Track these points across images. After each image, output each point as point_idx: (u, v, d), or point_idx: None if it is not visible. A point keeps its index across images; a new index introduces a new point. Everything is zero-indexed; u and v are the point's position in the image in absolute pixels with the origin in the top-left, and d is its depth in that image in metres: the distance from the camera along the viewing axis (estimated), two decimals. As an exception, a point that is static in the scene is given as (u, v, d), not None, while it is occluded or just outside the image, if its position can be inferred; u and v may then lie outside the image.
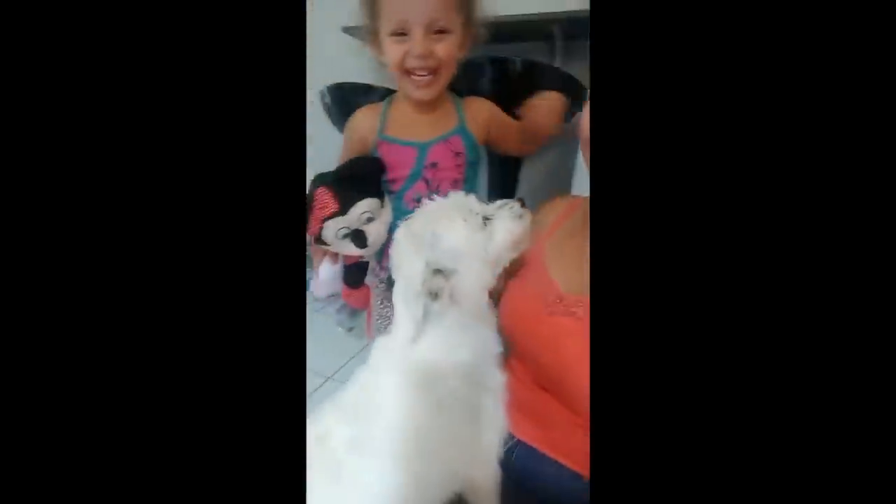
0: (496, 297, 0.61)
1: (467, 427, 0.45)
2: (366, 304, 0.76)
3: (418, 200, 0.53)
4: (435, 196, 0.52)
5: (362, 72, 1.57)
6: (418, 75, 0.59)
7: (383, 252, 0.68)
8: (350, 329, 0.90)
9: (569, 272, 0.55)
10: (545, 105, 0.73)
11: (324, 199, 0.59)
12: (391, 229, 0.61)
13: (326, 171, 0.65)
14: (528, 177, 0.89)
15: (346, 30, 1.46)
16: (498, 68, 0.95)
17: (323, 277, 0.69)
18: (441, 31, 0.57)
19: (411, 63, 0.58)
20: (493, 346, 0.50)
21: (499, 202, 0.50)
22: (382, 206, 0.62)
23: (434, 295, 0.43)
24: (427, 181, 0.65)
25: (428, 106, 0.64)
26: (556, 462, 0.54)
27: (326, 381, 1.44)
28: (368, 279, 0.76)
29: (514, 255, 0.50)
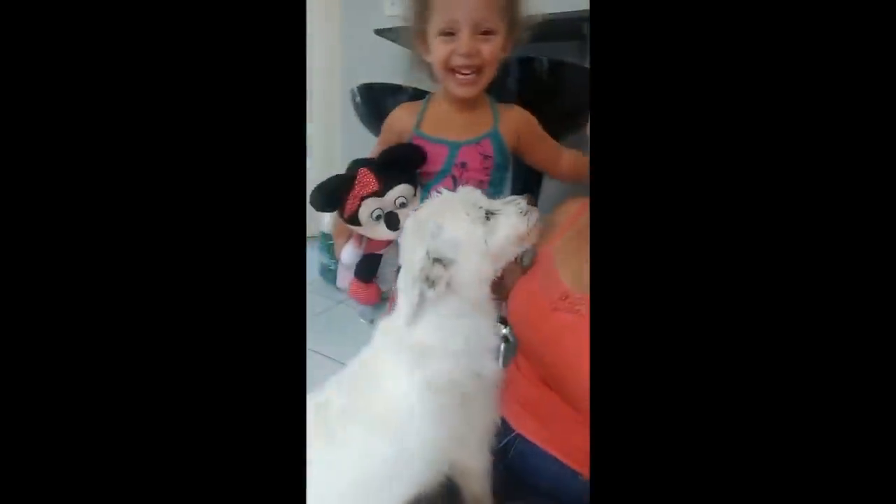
0: (502, 292, 0.63)
1: (456, 409, 0.47)
2: (372, 300, 0.78)
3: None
4: (443, 190, 0.54)
5: (393, 72, 1.61)
6: (462, 73, 0.61)
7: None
8: (371, 321, 0.92)
9: (576, 271, 0.55)
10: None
11: (366, 179, 0.61)
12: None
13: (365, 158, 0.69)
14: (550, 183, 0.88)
15: (378, 32, 1.50)
16: (525, 68, 0.95)
17: (345, 260, 0.71)
18: (487, 32, 0.59)
19: (457, 62, 0.60)
20: (491, 338, 0.51)
21: (506, 198, 0.51)
22: (415, 195, 0.63)
23: (431, 282, 0.45)
24: (454, 178, 0.67)
25: (465, 106, 0.66)
26: (555, 459, 0.54)
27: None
28: (380, 273, 0.78)
29: (519, 250, 0.51)
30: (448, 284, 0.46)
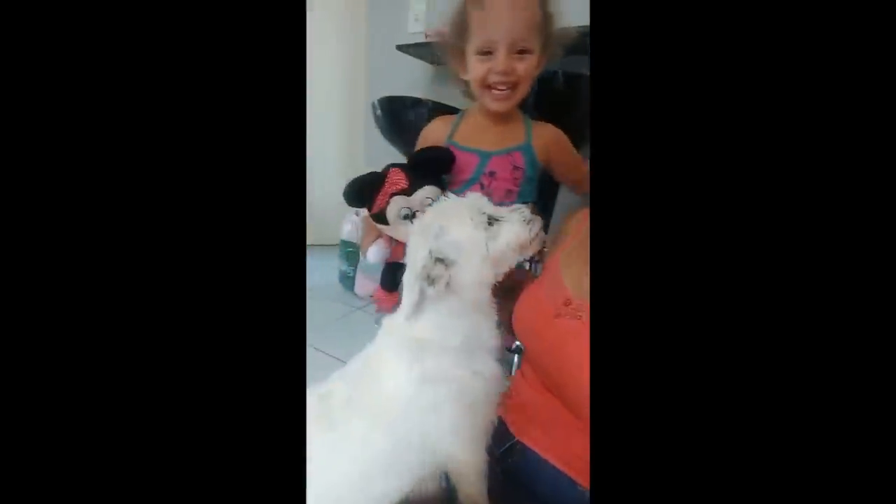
0: (507, 295, 0.63)
1: (451, 404, 0.48)
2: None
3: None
4: (451, 195, 0.56)
5: (413, 86, 1.66)
6: (498, 89, 0.63)
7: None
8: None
9: (580, 278, 0.56)
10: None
11: (396, 177, 0.64)
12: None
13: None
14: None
15: (400, 48, 1.55)
16: (542, 81, 0.97)
17: (371, 258, 0.73)
18: (522, 51, 0.61)
19: (493, 79, 0.63)
20: (491, 339, 0.52)
21: (512, 206, 0.53)
22: (440, 196, 0.65)
23: (431, 280, 0.47)
24: (482, 186, 0.68)
25: (499, 120, 0.68)
26: (554, 468, 0.54)
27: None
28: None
29: (521, 257, 0.52)
30: (448, 284, 0.48)
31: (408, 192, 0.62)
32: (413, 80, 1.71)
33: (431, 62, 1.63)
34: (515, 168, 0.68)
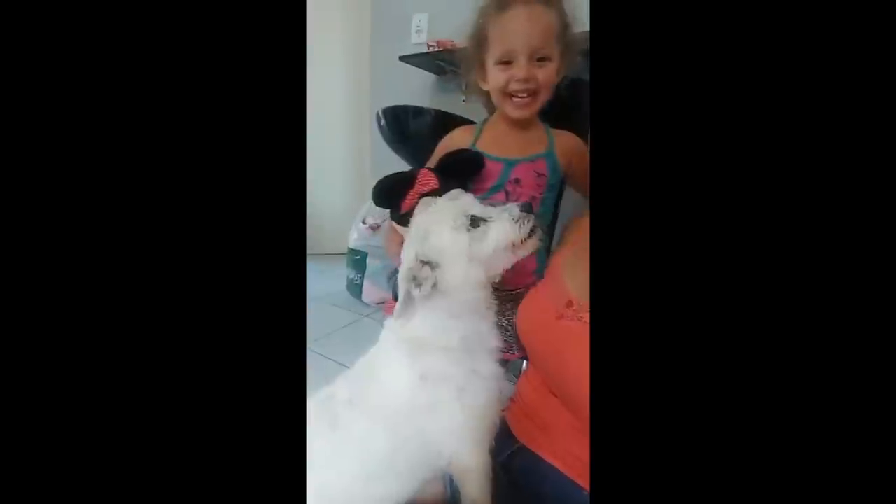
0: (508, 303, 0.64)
1: (450, 404, 0.48)
2: None
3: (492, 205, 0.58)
4: (439, 199, 0.57)
5: (416, 96, 1.69)
6: (519, 97, 0.64)
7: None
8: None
9: (583, 280, 0.56)
10: None
11: (427, 178, 0.64)
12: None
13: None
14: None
15: (403, 58, 1.58)
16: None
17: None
18: (543, 59, 0.62)
19: (514, 87, 0.63)
20: (490, 340, 0.52)
21: (501, 206, 0.52)
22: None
23: (418, 281, 0.48)
24: (507, 193, 0.68)
25: (521, 128, 0.69)
26: (558, 471, 0.54)
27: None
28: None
29: (514, 257, 0.52)
30: (435, 286, 0.48)
31: (438, 193, 0.62)
32: (416, 89, 1.73)
33: (434, 72, 1.65)
34: (539, 175, 0.69)
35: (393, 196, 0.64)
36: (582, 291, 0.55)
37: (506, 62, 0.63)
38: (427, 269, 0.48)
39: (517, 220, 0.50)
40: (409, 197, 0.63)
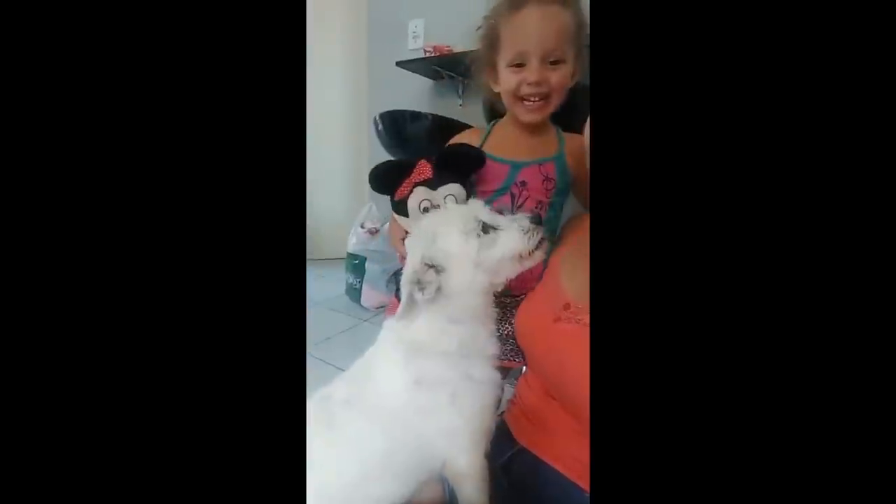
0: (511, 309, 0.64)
1: (445, 407, 0.48)
2: None
3: (500, 212, 0.57)
4: (451, 203, 0.57)
5: (413, 101, 1.70)
6: (531, 101, 0.63)
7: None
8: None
9: (580, 282, 0.56)
10: None
11: (422, 168, 0.62)
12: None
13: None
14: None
15: (400, 64, 1.60)
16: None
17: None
18: (556, 62, 0.61)
19: (526, 90, 0.62)
20: (488, 347, 0.52)
21: (512, 216, 0.52)
22: (466, 198, 0.64)
23: (422, 284, 0.48)
24: (512, 195, 0.66)
25: (531, 131, 0.67)
26: (558, 473, 0.54)
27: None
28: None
29: (520, 268, 0.52)
30: (439, 290, 0.48)
31: (432, 183, 0.62)
32: (413, 94, 1.75)
33: (431, 77, 1.67)
34: (546, 179, 0.67)
35: (388, 182, 0.63)
36: (579, 293, 0.55)
37: (518, 64, 0.61)
38: (432, 272, 0.48)
39: (527, 232, 0.50)
40: (403, 185, 0.63)
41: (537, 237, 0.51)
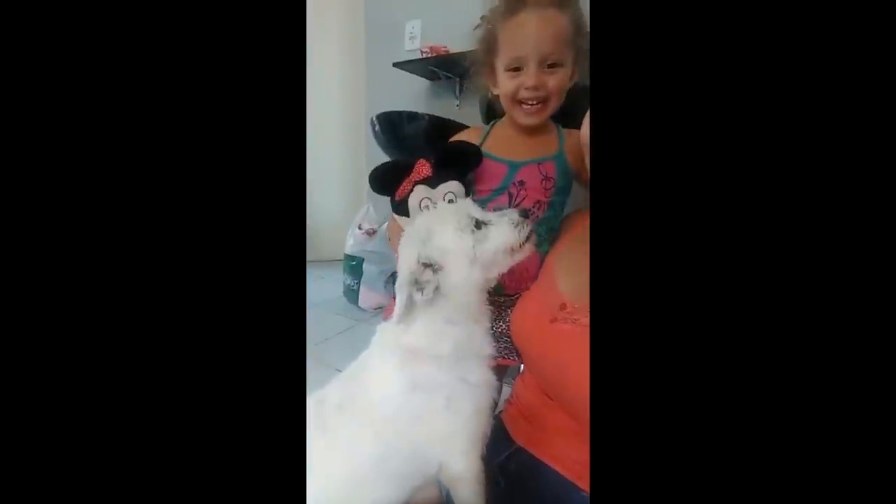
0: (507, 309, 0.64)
1: (440, 412, 0.48)
2: None
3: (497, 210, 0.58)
4: (440, 203, 0.57)
5: (410, 102, 1.70)
6: (529, 104, 0.63)
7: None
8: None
9: (575, 281, 0.56)
10: None
11: (421, 167, 0.63)
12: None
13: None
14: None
15: (397, 65, 1.60)
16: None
17: None
18: (553, 66, 0.61)
19: (524, 94, 0.62)
20: (483, 347, 0.52)
21: (501, 211, 0.53)
22: (466, 196, 0.65)
23: (420, 285, 0.48)
24: (510, 195, 0.67)
25: (530, 130, 0.67)
26: (556, 472, 0.54)
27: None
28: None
29: (511, 261, 0.52)
30: (437, 289, 0.48)
31: (431, 182, 0.62)
32: (410, 95, 1.74)
33: (428, 77, 1.67)
34: (545, 178, 0.67)
35: (388, 183, 0.64)
36: (575, 293, 0.55)
37: (515, 69, 0.62)
38: (429, 271, 0.48)
39: (517, 225, 0.50)
40: (403, 184, 0.63)
41: (527, 230, 0.51)
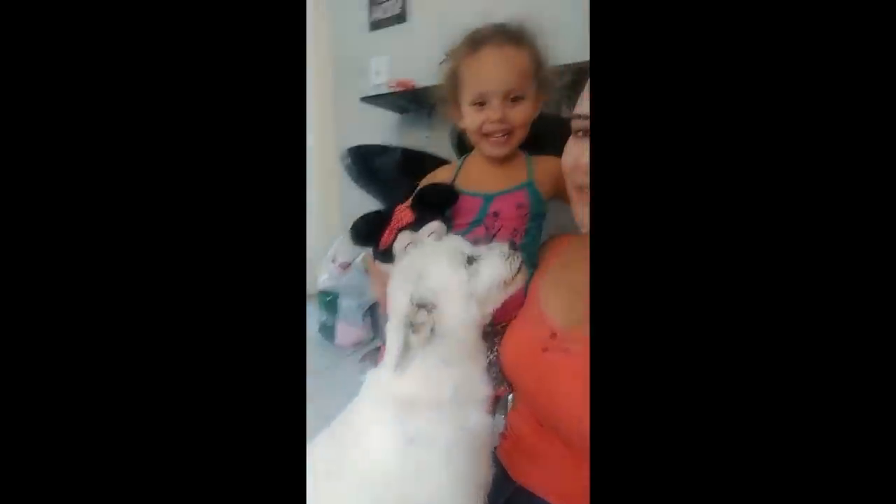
0: (494, 338, 0.63)
1: (441, 467, 0.45)
2: None
3: (475, 243, 0.58)
4: (427, 241, 0.56)
5: (379, 135, 1.72)
6: (495, 137, 0.65)
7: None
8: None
9: (562, 307, 0.56)
10: None
11: (402, 214, 0.64)
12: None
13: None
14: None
15: (365, 99, 1.62)
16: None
17: None
18: (516, 99, 0.63)
19: (489, 128, 0.64)
20: (481, 388, 0.50)
21: (490, 244, 0.53)
22: (447, 233, 0.65)
23: (415, 327, 0.46)
24: (486, 227, 0.68)
25: (500, 162, 0.69)
26: None
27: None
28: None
29: (504, 295, 0.52)
30: (433, 330, 0.47)
31: (414, 227, 0.63)
32: (381, 128, 1.77)
33: (397, 111, 1.70)
34: (519, 206, 0.69)
35: (371, 233, 0.64)
36: (563, 320, 0.55)
37: (480, 103, 0.64)
38: (423, 312, 0.46)
39: (507, 258, 0.50)
40: (386, 233, 0.64)
41: (517, 262, 0.51)
